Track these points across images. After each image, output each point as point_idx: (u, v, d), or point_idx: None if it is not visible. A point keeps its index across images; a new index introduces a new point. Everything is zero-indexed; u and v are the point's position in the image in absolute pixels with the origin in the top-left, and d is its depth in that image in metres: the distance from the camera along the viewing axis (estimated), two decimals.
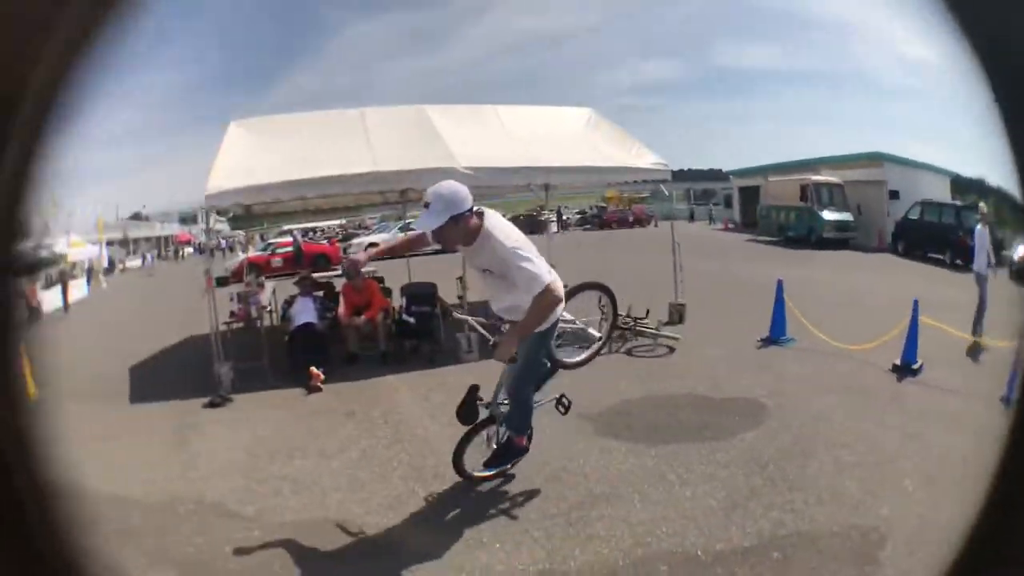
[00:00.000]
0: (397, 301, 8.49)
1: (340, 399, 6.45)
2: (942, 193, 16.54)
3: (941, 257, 13.61)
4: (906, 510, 3.45)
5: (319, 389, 6.73)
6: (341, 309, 7.93)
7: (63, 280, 19.98)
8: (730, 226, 24.21)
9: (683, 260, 8.88)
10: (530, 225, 26.34)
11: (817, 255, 15.39)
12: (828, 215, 16.99)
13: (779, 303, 7.34)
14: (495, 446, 3.97)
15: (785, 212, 18.62)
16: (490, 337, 3.71)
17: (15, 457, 0.96)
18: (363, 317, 7.73)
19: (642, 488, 3.91)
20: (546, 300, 3.24)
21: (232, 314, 8.46)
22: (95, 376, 8.00)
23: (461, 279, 8.63)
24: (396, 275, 9.72)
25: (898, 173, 17.88)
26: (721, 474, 4.01)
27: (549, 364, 3.88)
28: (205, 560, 3.54)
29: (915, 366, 5.93)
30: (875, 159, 18.55)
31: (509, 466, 4.05)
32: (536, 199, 11.53)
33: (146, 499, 4.44)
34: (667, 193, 10.36)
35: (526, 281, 3.24)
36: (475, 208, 3.30)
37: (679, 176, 9.40)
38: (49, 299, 17.99)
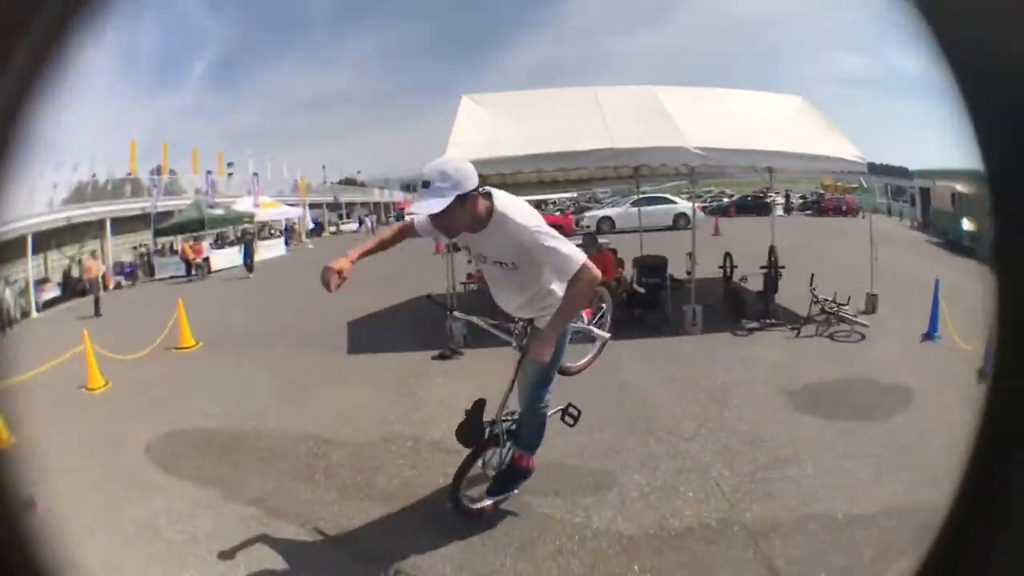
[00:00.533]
0: (628, 272, 8.87)
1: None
2: None
3: None
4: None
5: None
6: None
7: (246, 239, 20.71)
8: (915, 224, 23.61)
9: (878, 253, 9.31)
10: (756, 207, 27.06)
11: (964, 261, 15.48)
12: (966, 224, 17.50)
13: (935, 302, 7.82)
14: (492, 472, 3.54)
15: (944, 216, 19.31)
16: (507, 338, 3.19)
17: None
18: None
19: (818, 457, 4.38)
20: (584, 283, 2.74)
21: (469, 276, 9.24)
22: (315, 331, 8.87)
23: (691, 255, 8.85)
24: (627, 249, 10.28)
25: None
26: (874, 451, 4.48)
27: None
28: (410, 491, 3.92)
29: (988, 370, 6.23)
30: (974, 176, 17.68)
31: (515, 492, 3.60)
32: (761, 180, 11.52)
33: (359, 439, 4.87)
34: (865, 186, 10.18)
35: (560, 264, 2.75)
36: (481, 188, 2.73)
37: (872, 170, 9.22)
38: (225, 257, 19.44)
